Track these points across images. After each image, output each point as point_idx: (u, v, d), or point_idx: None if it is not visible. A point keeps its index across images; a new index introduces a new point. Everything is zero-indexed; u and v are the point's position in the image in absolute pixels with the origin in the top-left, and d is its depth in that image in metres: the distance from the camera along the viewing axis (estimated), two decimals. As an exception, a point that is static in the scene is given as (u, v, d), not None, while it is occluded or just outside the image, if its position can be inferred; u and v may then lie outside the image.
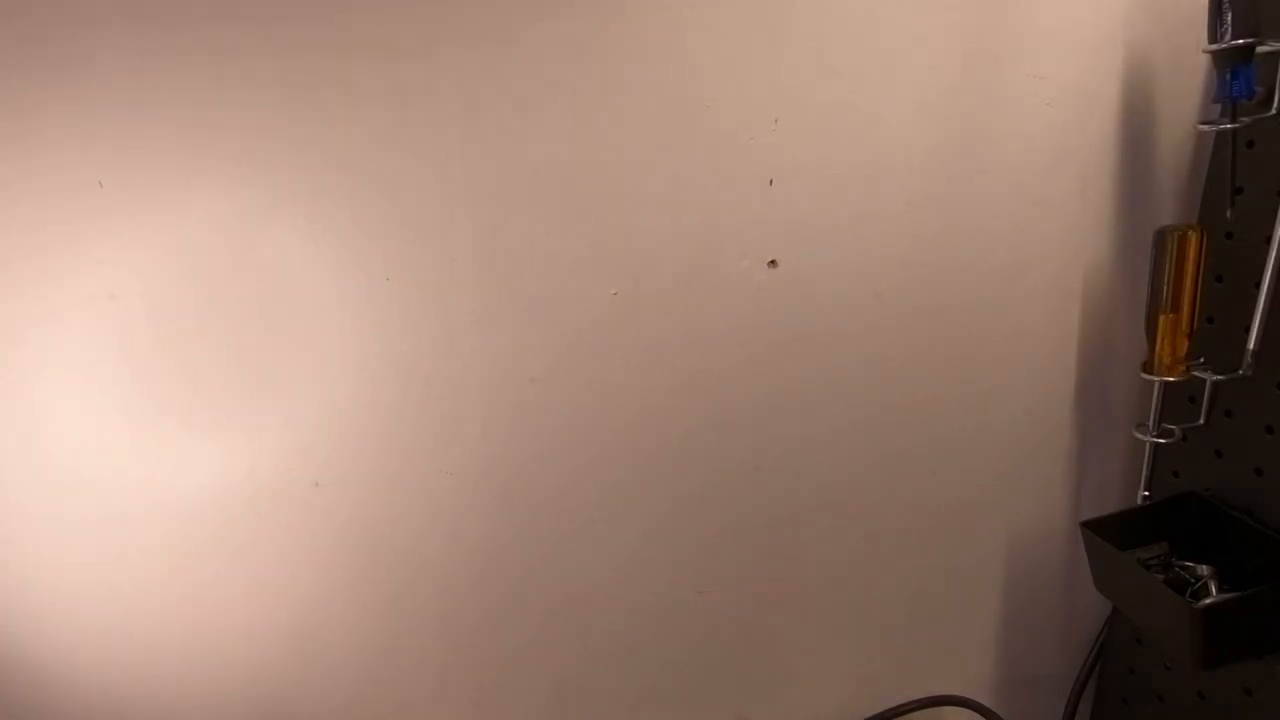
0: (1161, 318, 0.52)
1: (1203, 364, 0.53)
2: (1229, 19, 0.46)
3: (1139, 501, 0.60)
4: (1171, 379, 0.53)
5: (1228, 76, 0.47)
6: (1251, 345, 0.50)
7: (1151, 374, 0.54)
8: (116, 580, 0.49)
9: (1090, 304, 0.59)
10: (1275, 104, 0.47)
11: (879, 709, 0.66)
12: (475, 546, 0.53)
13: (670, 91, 0.47)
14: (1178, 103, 0.55)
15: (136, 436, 0.47)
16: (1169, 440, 0.56)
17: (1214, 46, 0.47)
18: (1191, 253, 0.51)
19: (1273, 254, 0.48)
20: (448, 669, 0.56)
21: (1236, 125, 0.48)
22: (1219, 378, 0.52)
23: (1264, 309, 0.49)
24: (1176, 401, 0.56)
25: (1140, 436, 0.57)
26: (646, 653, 0.60)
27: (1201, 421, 0.54)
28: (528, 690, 0.58)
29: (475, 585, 0.54)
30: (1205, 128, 0.51)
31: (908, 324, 0.56)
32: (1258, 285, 0.49)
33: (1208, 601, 0.50)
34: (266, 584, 0.51)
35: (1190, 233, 0.51)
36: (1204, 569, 0.52)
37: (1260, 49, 0.46)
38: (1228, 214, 0.50)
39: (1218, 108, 0.50)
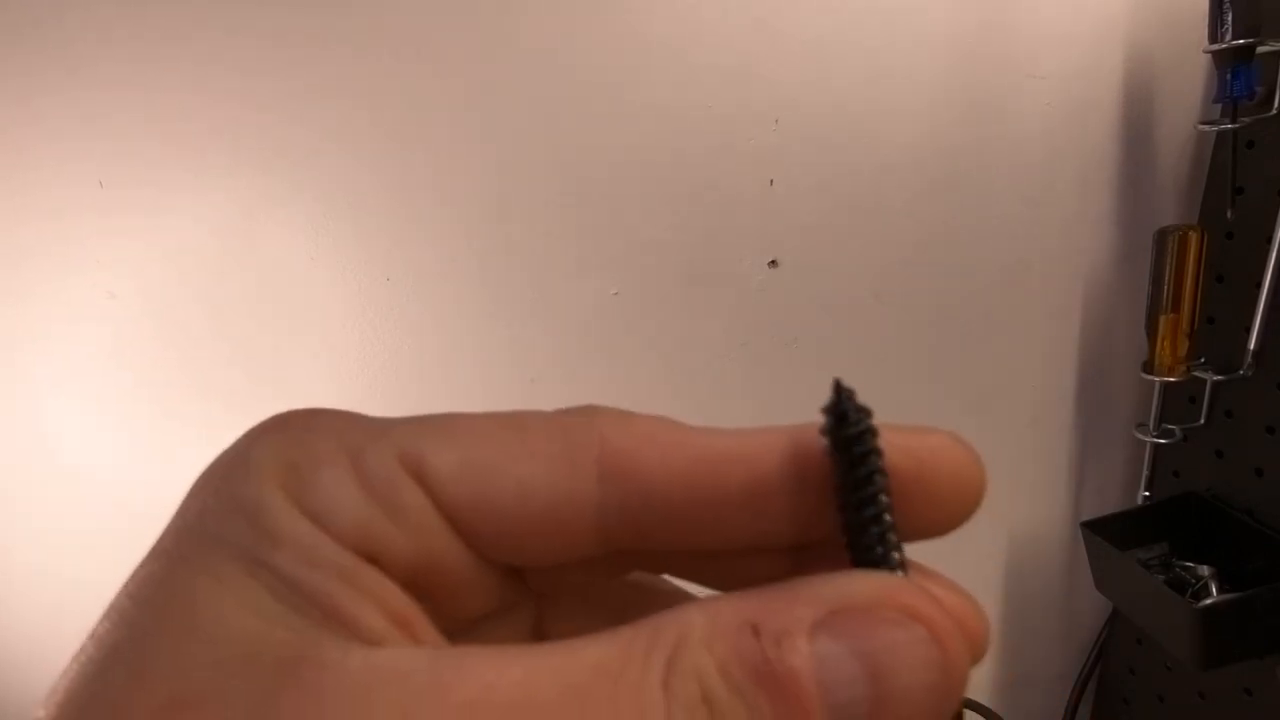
0: (1162, 318, 0.52)
1: (1203, 364, 0.53)
2: (1229, 19, 0.46)
3: (1139, 502, 0.60)
4: (1172, 379, 0.53)
5: (1228, 76, 0.47)
6: (1252, 345, 0.50)
7: (1151, 374, 0.54)
8: (115, 580, 0.49)
9: (1090, 304, 0.59)
10: (1275, 104, 0.47)
11: (879, 709, 0.66)
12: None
13: (670, 91, 0.47)
14: (1178, 103, 0.55)
15: (135, 436, 0.47)
16: (1169, 440, 0.56)
17: (1214, 46, 0.47)
18: (1191, 253, 0.51)
19: (1273, 254, 0.48)
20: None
21: (1236, 125, 0.48)
22: (1219, 378, 0.52)
23: (1264, 309, 0.49)
24: (1177, 401, 0.56)
25: (1140, 436, 0.57)
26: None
27: (1202, 421, 0.54)
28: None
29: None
30: (1205, 128, 0.51)
31: (907, 324, 0.56)
32: (1258, 285, 0.49)
33: (1208, 601, 0.50)
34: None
35: (1190, 233, 0.51)
36: (1204, 569, 0.52)
37: (1260, 49, 0.46)
38: (1228, 214, 0.50)
39: (1218, 108, 0.50)
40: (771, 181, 0.50)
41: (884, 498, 0.12)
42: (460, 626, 0.13)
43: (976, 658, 0.12)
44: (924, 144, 0.52)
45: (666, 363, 0.52)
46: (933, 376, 0.58)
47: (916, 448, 0.12)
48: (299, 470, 0.12)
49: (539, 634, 0.15)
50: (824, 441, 0.12)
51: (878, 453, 0.12)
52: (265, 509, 0.12)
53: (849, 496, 0.12)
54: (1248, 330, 0.50)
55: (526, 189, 0.47)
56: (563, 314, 0.50)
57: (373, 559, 0.12)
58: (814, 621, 0.11)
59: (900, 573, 0.12)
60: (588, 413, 0.13)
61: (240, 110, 0.43)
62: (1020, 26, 0.51)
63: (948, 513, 0.13)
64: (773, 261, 0.52)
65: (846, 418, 0.12)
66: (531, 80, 0.45)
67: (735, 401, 0.54)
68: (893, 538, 0.12)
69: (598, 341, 0.51)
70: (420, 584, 0.12)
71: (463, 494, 0.12)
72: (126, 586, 0.12)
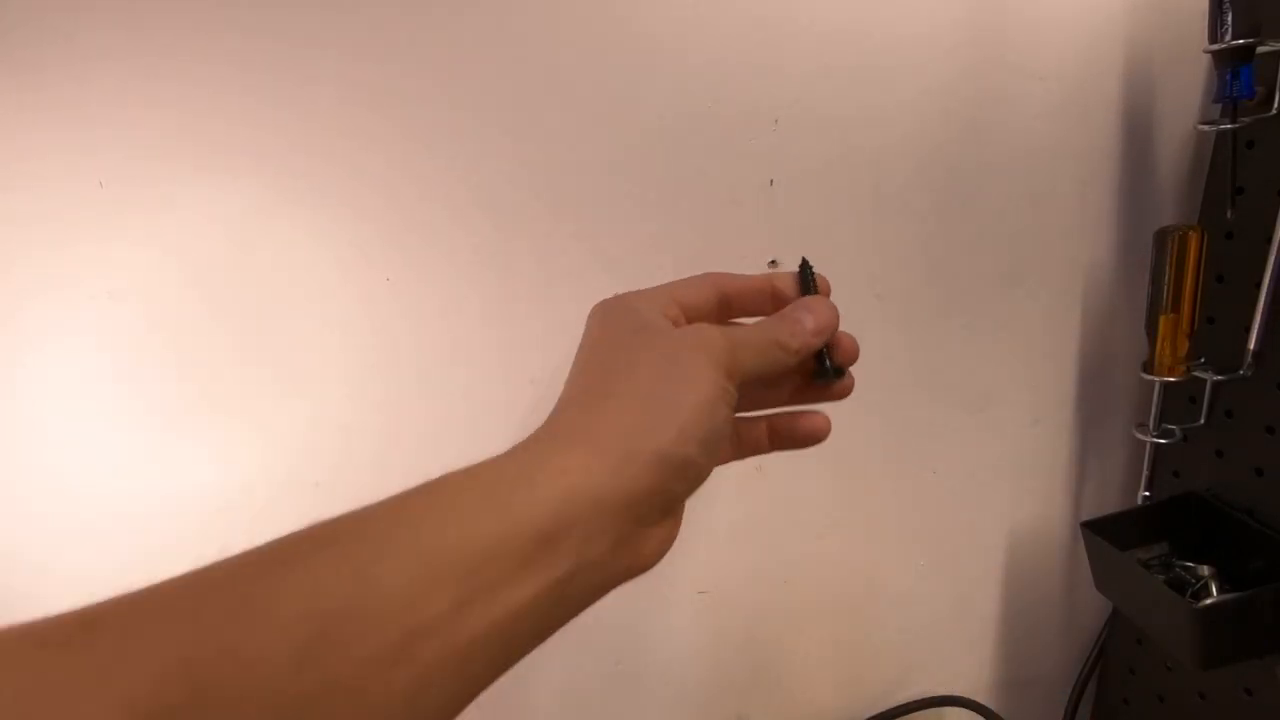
0: (1162, 318, 0.52)
1: (1203, 364, 0.53)
2: (1229, 19, 0.46)
3: (1139, 502, 0.60)
4: (1172, 379, 0.53)
5: (1228, 76, 0.47)
6: (1252, 345, 0.50)
7: (1151, 374, 0.54)
8: (115, 582, 0.49)
9: (1090, 304, 0.59)
10: (1275, 104, 0.47)
11: (879, 709, 0.66)
12: (475, 547, 0.53)
13: (670, 91, 0.47)
14: (1178, 103, 0.55)
15: (134, 436, 0.47)
16: (1169, 440, 0.56)
17: (1214, 46, 0.47)
18: (1191, 253, 0.51)
19: (1273, 254, 0.48)
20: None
21: (1236, 125, 0.48)
22: (1219, 378, 0.52)
23: (1264, 309, 0.49)
24: (1177, 401, 0.56)
25: (1140, 436, 0.57)
26: (647, 652, 0.60)
27: (1202, 421, 0.54)
28: (529, 691, 0.58)
29: (475, 585, 0.54)
30: (1205, 128, 0.51)
31: (908, 324, 0.56)
32: (1258, 285, 0.49)
33: (1207, 601, 0.50)
34: (266, 584, 0.51)
35: (1190, 233, 0.51)
36: (1205, 569, 0.52)
37: (1260, 49, 0.46)
38: (1228, 214, 0.51)
39: (1218, 108, 0.50)
40: (771, 181, 0.50)
41: (813, 281, 0.34)
42: None
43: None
44: (924, 144, 0.52)
45: (666, 363, 0.52)
46: (933, 376, 0.58)
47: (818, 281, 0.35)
48: (651, 302, 0.32)
49: None
50: (796, 272, 0.35)
51: (811, 270, 0.34)
52: (647, 318, 0.31)
53: (801, 273, 0.34)
54: (1248, 330, 0.50)
55: (526, 189, 0.47)
56: (563, 314, 0.50)
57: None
58: (795, 307, 0.33)
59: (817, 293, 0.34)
60: (706, 273, 0.34)
61: (241, 111, 0.43)
62: (1020, 27, 0.51)
63: (823, 286, 0.35)
64: (773, 261, 0.52)
65: (806, 263, 0.34)
66: (531, 80, 0.45)
67: (735, 401, 0.54)
68: (814, 285, 0.34)
69: (598, 341, 0.51)
70: None
71: (686, 298, 0.33)
72: (594, 358, 0.32)
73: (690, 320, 0.33)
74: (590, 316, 0.33)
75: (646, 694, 0.61)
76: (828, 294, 0.35)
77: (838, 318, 0.33)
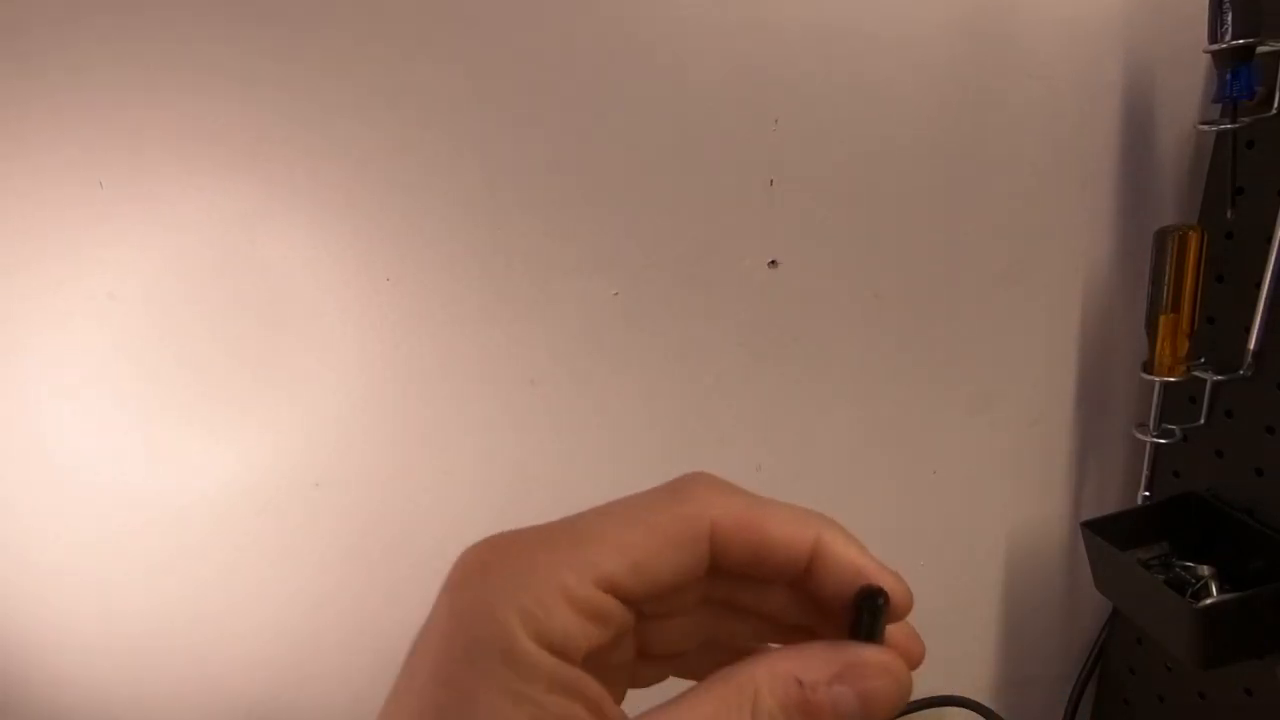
0: (1162, 318, 0.52)
1: (1203, 364, 0.53)
2: (1229, 19, 0.46)
3: (1139, 501, 0.60)
4: (1172, 379, 0.53)
5: (1228, 76, 0.47)
6: (1252, 345, 0.50)
7: (1151, 374, 0.54)
8: (115, 581, 0.49)
9: (1090, 304, 0.59)
10: (1275, 104, 0.47)
11: (879, 709, 0.66)
12: (475, 547, 0.53)
13: (670, 91, 0.47)
14: (1178, 103, 0.55)
15: (135, 438, 0.47)
16: (1169, 440, 0.56)
17: (1214, 46, 0.47)
18: (1191, 253, 0.51)
19: (1273, 254, 0.48)
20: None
21: (1236, 125, 0.48)
22: (1219, 378, 0.52)
23: (1264, 309, 0.49)
24: (1177, 401, 0.56)
25: (1140, 436, 0.57)
26: (646, 653, 0.60)
27: (1202, 421, 0.54)
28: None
29: (475, 585, 0.54)
30: (1205, 128, 0.51)
31: (908, 324, 0.56)
32: (1258, 285, 0.49)
33: (1208, 601, 0.50)
34: (266, 584, 0.51)
35: (1190, 233, 0.51)
36: (1205, 569, 0.52)
37: (1260, 49, 0.46)
38: (1228, 214, 0.50)
39: (1218, 108, 0.50)
40: (771, 181, 0.50)
41: (880, 625, 0.20)
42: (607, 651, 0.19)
43: (914, 665, 0.20)
44: (924, 144, 0.52)
45: (666, 363, 0.52)
46: (933, 376, 0.58)
47: (891, 585, 0.20)
48: (535, 617, 0.17)
49: (643, 648, 0.22)
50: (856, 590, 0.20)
51: (883, 607, 0.20)
52: (520, 653, 0.16)
53: (862, 608, 0.20)
54: (1248, 330, 0.50)
55: (526, 189, 0.47)
56: (563, 314, 0.50)
57: (585, 655, 0.18)
58: (831, 675, 0.18)
59: (879, 644, 0.20)
60: (699, 499, 0.20)
61: (240, 111, 0.43)
62: (1020, 26, 0.51)
63: (899, 615, 0.21)
64: (773, 261, 0.52)
65: (875, 597, 0.20)
66: (530, 80, 0.45)
67: (736, 402, 0.54)
68: (879, 627, 0.20)
69: (598, 341, 0.51)
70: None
71: (636, 586, 0.18)
72: (420, 705, 0.17)
73: (645, 602, 0.19)
74: (443, 592, 0.19)
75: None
76: (912, 646, 0.21)
77: (908, 692, 0.19)
